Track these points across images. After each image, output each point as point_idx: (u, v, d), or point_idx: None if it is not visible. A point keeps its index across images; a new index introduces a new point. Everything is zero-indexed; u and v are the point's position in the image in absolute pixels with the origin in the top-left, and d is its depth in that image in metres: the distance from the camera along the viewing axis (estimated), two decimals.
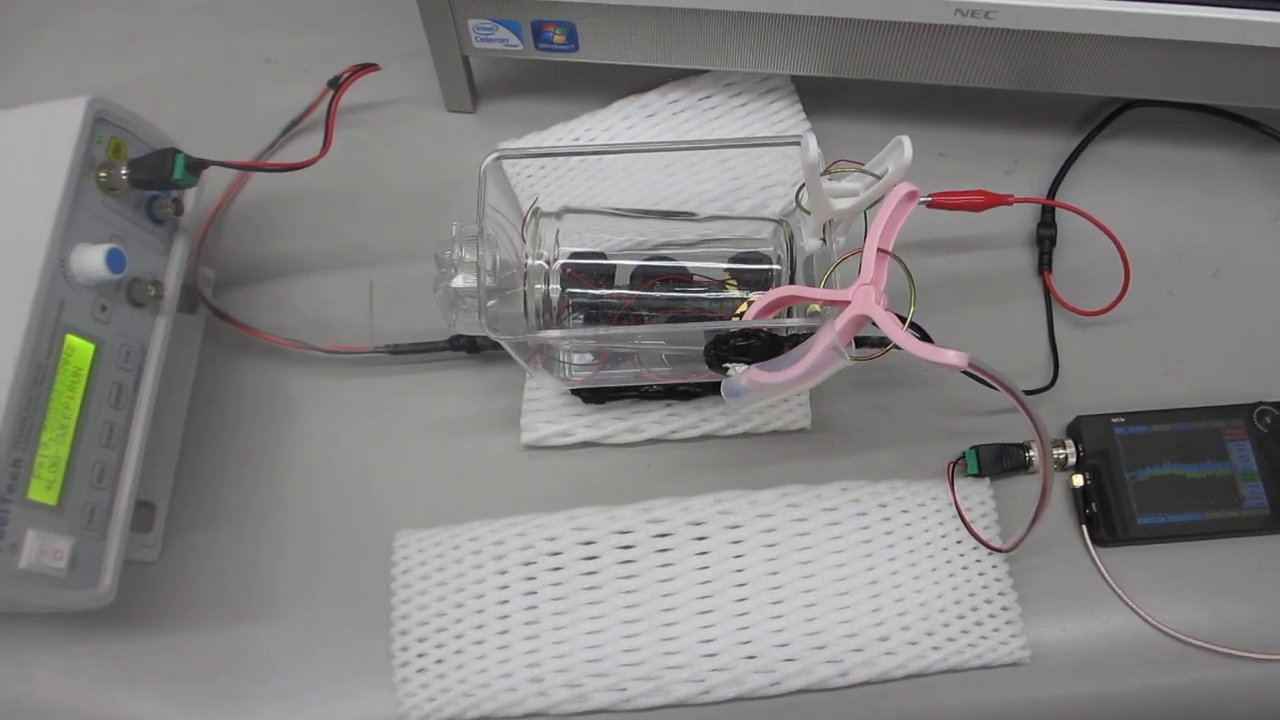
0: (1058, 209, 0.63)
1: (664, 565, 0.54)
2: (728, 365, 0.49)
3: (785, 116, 0.65)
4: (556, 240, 0.54)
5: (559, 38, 0.61)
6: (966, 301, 0.62)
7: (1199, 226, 0.64)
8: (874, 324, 0.45)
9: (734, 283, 0.55)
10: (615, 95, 0.67)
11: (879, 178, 0.47)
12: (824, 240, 0.50)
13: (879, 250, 0.46)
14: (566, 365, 0.56)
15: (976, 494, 0.56)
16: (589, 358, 0.56)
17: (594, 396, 0.58)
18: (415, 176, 0.67)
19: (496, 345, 0.48)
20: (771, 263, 0.55)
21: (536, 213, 0.54)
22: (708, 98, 0.65)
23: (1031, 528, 0.51)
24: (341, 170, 0.64)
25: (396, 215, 0.66)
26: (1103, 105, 0.67)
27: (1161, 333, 0.61)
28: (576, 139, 0.65)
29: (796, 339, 0.48)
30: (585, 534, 0.55)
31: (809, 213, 0.49)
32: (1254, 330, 0.61)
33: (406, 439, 0.59)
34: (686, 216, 0.58)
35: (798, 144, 0.51)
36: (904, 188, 0.45)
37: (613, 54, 0.61)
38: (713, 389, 0.58)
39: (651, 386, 0.57)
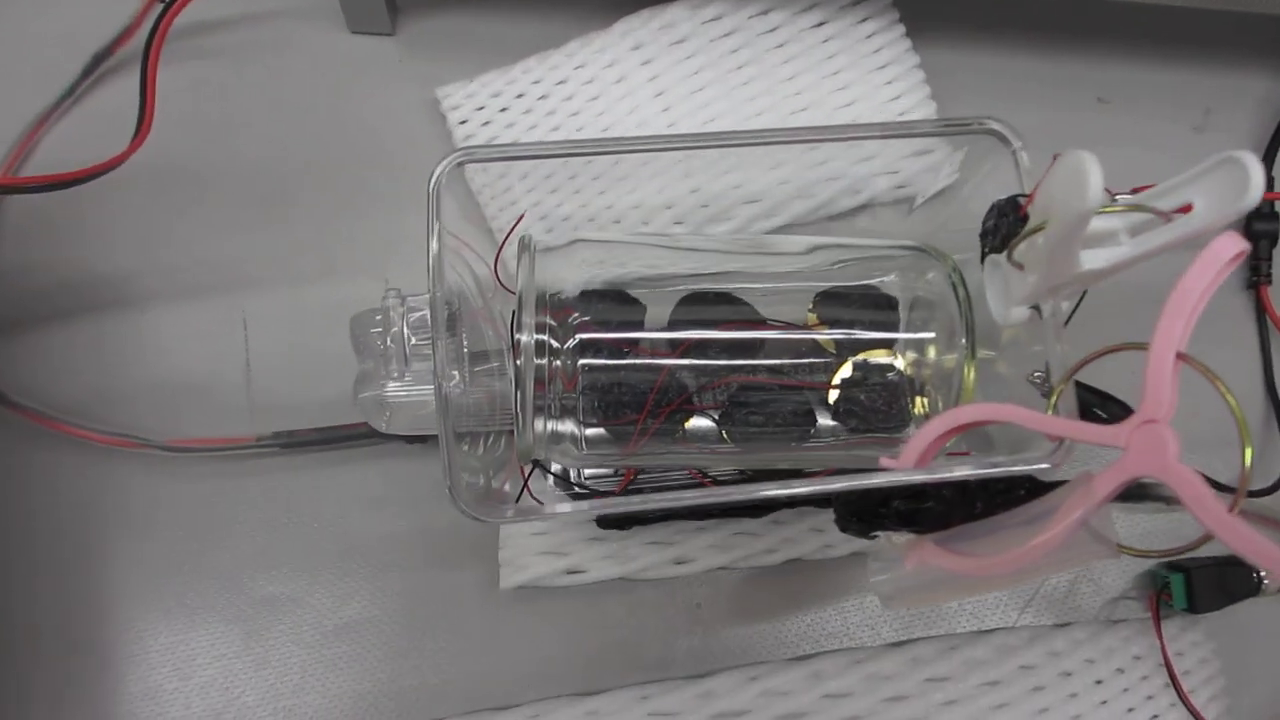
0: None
1: None
2: (876, 534, 0.29)
3: (881, 45, 0.42)
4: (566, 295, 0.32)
5: None
6: (1134, 331, 0.42)
7: None
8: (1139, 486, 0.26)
9: (828, 340, 0.34)
10: (610, 12, 0.43)
11: (1168, 217, 0.26)
12: (1037, 310, 0.29)
13: (1177, 355, 0.25)
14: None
15: (1191, 643, 0.38)
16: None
17: (615, 519, 0.37)
18: (304, 139, 0.42)
19: None
20: (898, 311, 0.34)
21: (527, 244, 0.32)
22: (763, 14, 0.42)
23: None
24: (184, 134, 0.40)
25: (278, 204, 0.41)
26: None
27: None
28: (562, 81, 0.41)
29: (992, 495, 0.28)
30: None
31: (1020, 266, 0.28)
32: None
33: (314, 585, 0.38)
34: (769, 248, 0.36)
35: (998, 136, 0.30)
36: (1229, 245, 0.25)
37: None
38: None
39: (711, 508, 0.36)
